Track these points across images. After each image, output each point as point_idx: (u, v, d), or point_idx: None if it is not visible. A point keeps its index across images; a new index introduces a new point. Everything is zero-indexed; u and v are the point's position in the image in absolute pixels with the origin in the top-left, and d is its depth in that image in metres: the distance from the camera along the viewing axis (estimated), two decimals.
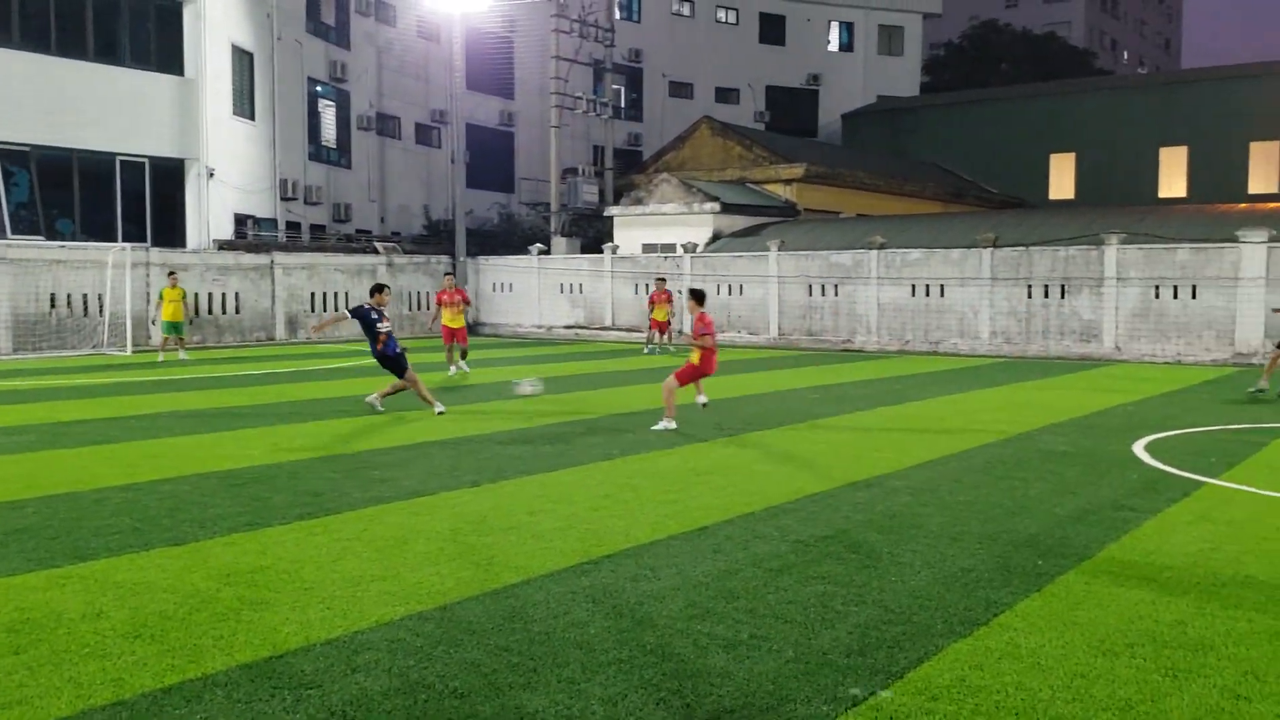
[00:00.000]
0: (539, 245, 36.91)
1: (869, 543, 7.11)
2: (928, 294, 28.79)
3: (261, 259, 31.77)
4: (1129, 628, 5.36)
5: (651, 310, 27.15)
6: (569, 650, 5.03)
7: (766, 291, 31.28)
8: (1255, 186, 43.81)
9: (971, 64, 66.87)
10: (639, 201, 36.35)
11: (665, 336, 27.10)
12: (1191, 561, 6.67)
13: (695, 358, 13.00)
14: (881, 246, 29.49)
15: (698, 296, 13.42)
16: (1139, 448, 11.31)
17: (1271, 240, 24.26)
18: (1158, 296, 25.62)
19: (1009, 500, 8.55)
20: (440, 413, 13.97)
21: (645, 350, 27.16)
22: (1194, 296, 25.18)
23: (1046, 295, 27.06)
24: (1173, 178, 46.18)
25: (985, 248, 27.79)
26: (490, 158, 46.68)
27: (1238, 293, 24.53)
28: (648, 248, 34.96)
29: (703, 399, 14.27)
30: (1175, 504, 8.41)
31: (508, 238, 42.17)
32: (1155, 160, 46.70)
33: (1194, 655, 4.97)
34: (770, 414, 14.31)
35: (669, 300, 27.18)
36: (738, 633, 5.26)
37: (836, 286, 30.22)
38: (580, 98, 39.78)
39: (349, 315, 14.69)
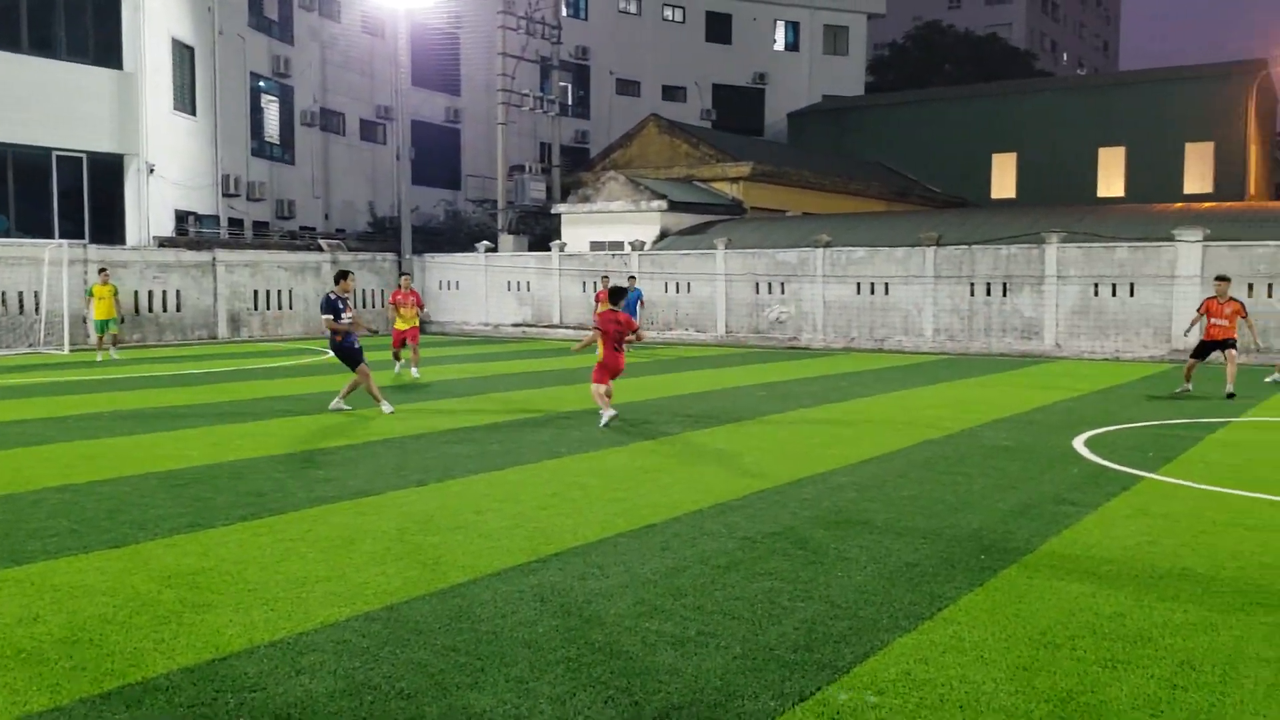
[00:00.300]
0: (486, 243, 36.73)
1: (815, 539, 7.17)
2: (873, 292, 29.09)
3: (203, 256, 31.27)
4: (1069, 620, 5.45)
5: (598, 308, 26.96)
6: (517, 649, 5.01)
7: (714, 289, 31.40)
8: (1190, 186, 44.78)
9: (915, 64, 67.62)
10: (586, 199, 36.30)
11: None
12: (1130, 555, 6.80)
13: (600, 354, 13.11)
14: (827, 245, 29.72)
15: (610, 293, 13.56)
16: (1079, 443, 11.51)
17: (1206, 239, 24.81)
18: (1097, 294, 26.11)
19: (952, 495, 8.66)
20: (389, 412, 13.87)
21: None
22: (1132, 294, 25.69)
23: (989, 293, 27.46)
24: (1111, 177, 47.06)
25: (929, 246, 28.12)
26: (436, 154, 46.36)
27: (1174, 290, 25.07)
28: (595, 245, 34.93)
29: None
30: (1114, 498, 8.58)
31: (454, 235, 41.92)
32: (1094, 160, 47.55)
33: (1132, 646, 5.06)
34: (718, 411, 14.36)
35: None
36: (685, 630, 5.27)
37: (783, 284, 30.41)
38: (527, 95, 39.63)
39: (328, 314, 14.06)
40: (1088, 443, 11.52)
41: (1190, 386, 16.99)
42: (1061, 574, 6.31)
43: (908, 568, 6.43)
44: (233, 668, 4.77)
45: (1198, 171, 45.14)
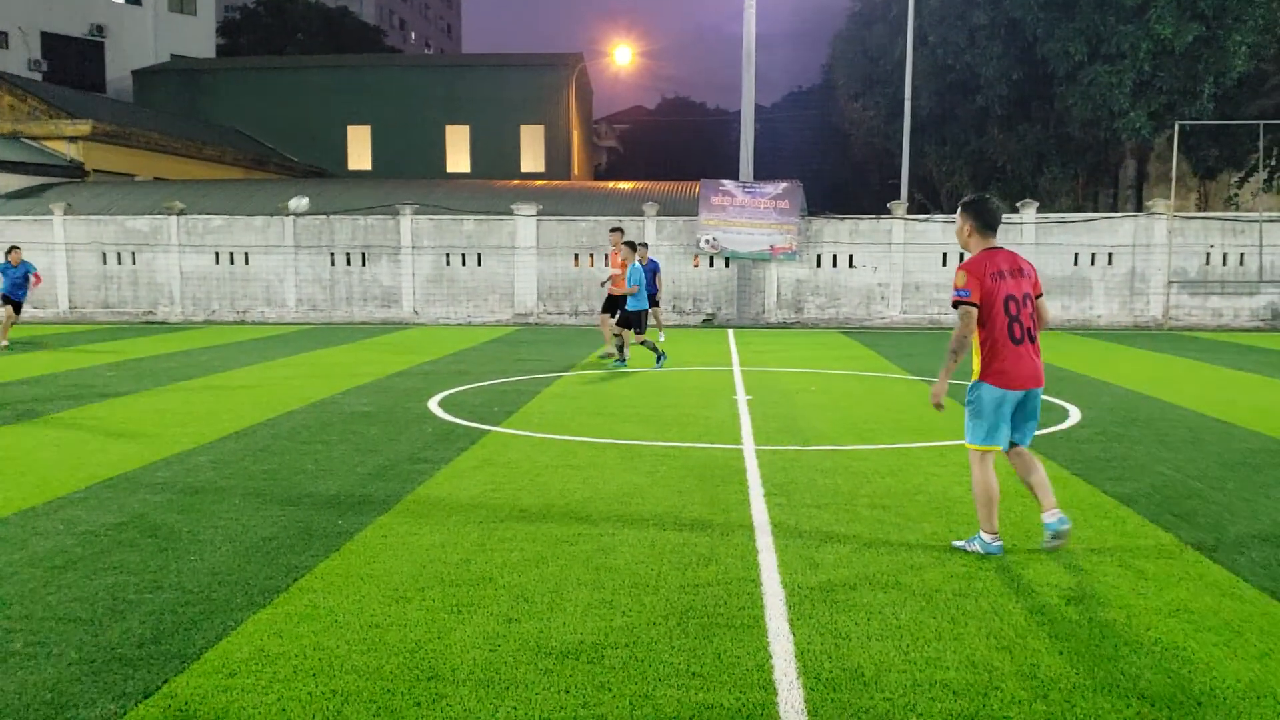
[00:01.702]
0: None
1: (168, 524, 6.79)
2: (232, 262, 28.06)
3: None
4: (421, 572, 5.78)
5: None
6: None
7: (52, 260, 28.12)
8: (526, 165, 49.17)
9: (268, 30, 65.70)
10: None
11: None
12: (476, 502, 7.38)
13: None
14: (181, 212, 28.05)
15: None
16: (434, 404, 12.19)
17: (540, 214, 27.46)
18: (449, 264, 27.72)
19: (312, 464, 8.71)
20: None
21: None
22: (480, 264, 27.66)
23: (349, 263, 27.86)
24: (458, 154, 49.99)
25: (288, 215, 27.75)
26: None
27: (515, 259, 27.45)
28: None
29: None
30: (464, 452, 9.23)
31: None
32: (443, 137, 50.12)
33: (476, 589, 5.50)
34: (57, 395, 12.92)
35: None
36: (9, 645, 4.71)
37: (134, 254, 28.15)
38: None
39: None
40: (441, 403, 12.25)
41: (614, 351, 16.84)
42: (415, 530, 6.66)
43: (264, 542, 6.36)
44: None
45: (532, 152, 49.68)
